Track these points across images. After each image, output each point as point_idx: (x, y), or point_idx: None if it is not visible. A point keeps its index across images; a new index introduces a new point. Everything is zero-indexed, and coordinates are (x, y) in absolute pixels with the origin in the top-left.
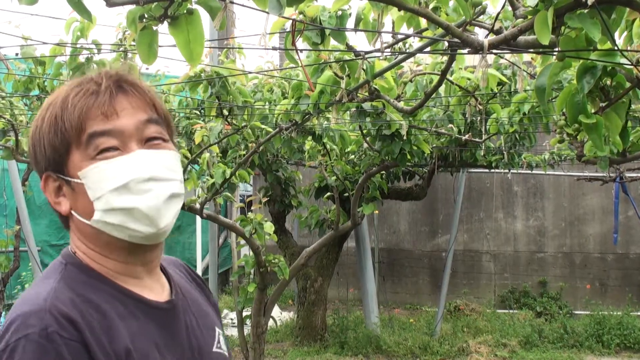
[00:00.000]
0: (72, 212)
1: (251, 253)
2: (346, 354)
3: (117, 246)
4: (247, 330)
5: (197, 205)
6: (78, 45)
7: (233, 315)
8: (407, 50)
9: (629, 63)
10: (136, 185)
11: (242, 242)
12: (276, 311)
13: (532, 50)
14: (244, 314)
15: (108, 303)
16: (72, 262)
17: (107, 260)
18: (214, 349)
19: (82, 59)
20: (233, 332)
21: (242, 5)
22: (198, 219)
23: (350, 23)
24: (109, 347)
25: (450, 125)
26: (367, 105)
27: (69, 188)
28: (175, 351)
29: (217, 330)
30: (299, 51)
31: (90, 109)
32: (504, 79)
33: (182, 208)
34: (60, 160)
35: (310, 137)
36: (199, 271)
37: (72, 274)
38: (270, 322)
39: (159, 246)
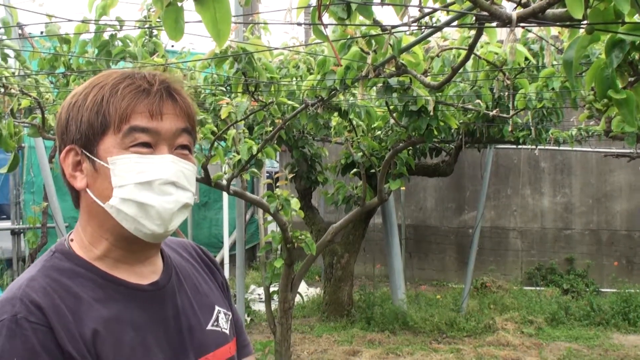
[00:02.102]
0: (87, 190)
1: (278, 229)
2: (373, 329)
3: (119, 233)
4: (274, 305)
5: (224, 182)
6: (101, 22)
7: (260, 290)
8: (434, 25)
9: None
10: (159, 186)
11: (269, 218)
12: (303, 287)
13: (560, 23)
14: (272, 289)
15: (85, 288)
16: (60, 250)
17: (103, 244)
18: (209, 327)
19: (106, 36)
20: (261, 307)
21: None
22: (225, 195)
23: None
24: (76, 329)
25: (477, 100)
26: (393, 81)
27: (90, 167)
28: (156, 330)
29: (217, 309)
30: (325, 26)
31: (139, 105)
32: (529, 56)
33: (209, 184)
34: (93, 139)
35: (336, 113)
36: (226, 247)
37: (55, 262)
38: (297, 298)
39: (158, 244)
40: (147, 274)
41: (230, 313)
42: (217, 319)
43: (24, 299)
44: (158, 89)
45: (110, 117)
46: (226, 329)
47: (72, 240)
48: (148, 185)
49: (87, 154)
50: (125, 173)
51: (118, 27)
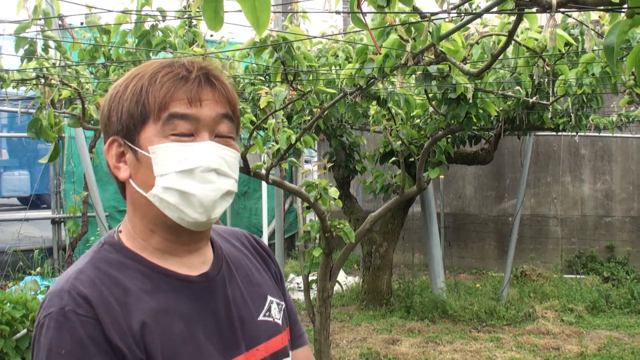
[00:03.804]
0: (130, 180)
1: (317, 218)
2: (412, 318)
3: (164, 223)
4: (313, 294)
5: (263, 171)
6: (143, 13)
7: (299, 279)
8: (474, 11)
9: None
10: (200, 174)
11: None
12: (341, 276)
13: (600, 7)
14: (310, 278)
15: (133, 279)
16: (109, 241)
17: (150, 235)
18: (260, 318)
19: (147, 26)
20: (299, 296)
21: None
22: (264, 184)
23: None
24: (124, 321)
25: (517, 87)
26: (432, 69)
27: (133, 157)
28: (206, 321)
29: (270, 299)
30: (364, 14)
31: (177, 92)
32: (570, 39)
33: (248, 174)
34: (133, 129)
35: (374, 102)
36: (265, 236)
37: (104, 254)
38: (336, 287)
39: (204, 233)
40: (197, 265)
41: (283, 303)
42: (269, 309)
43: (72, 292)
44: (196, 75)
45: (149, 106)
46: (278, 319)
47: (120, 231)
48: (189, 173)
49: (129, 144)
50: (166, 162)
51: (160, 18)
